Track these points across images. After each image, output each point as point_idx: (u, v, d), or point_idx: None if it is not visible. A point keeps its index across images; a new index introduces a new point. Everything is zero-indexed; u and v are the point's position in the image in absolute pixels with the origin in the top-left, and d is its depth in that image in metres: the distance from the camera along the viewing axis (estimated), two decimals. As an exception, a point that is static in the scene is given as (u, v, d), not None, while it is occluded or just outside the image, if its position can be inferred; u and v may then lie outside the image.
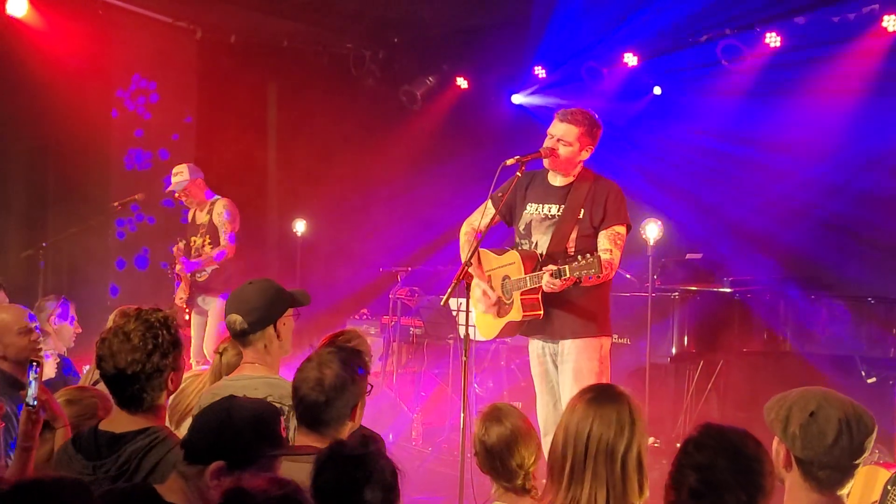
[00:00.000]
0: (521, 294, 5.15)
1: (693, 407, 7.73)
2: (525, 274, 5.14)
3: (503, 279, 5.34)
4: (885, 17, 7.82)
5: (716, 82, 8.98)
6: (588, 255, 4.79)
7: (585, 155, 5.26)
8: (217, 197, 8.31)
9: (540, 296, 5.14)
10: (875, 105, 8.17)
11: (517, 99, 10.60)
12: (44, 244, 9.15)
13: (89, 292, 9.79)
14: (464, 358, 4.94)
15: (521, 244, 5.38)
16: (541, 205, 5.33)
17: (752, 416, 6.06)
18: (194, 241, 8.22)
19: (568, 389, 5.16)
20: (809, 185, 8.60)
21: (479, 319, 5.59)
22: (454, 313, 7.81)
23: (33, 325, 4.76)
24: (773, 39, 8.43)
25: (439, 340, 8.77)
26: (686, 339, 7.58)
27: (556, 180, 5.34)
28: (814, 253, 8.58)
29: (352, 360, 3.42)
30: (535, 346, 5.41)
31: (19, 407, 4.11)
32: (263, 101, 11.57)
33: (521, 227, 5.39)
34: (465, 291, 5.05)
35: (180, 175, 8.21)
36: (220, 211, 8.18)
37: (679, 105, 9.46)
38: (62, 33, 9.32)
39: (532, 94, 10.46)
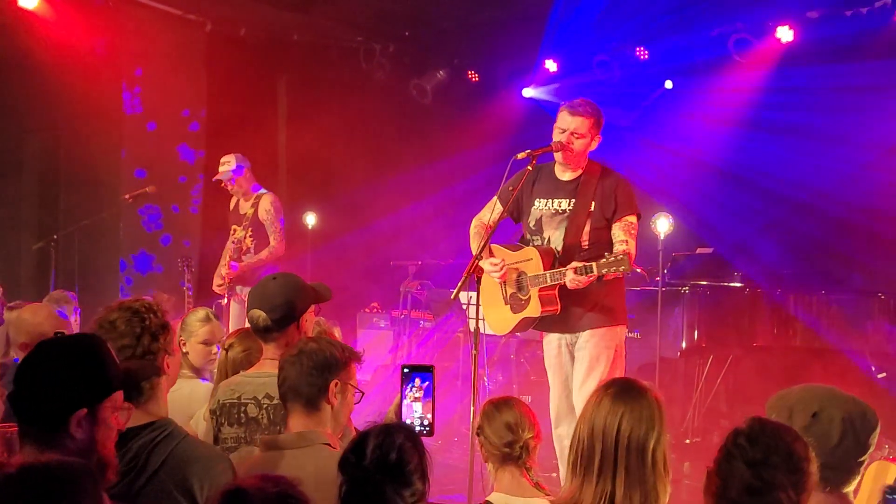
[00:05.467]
0: (539, 290, 5.16)
1: (702, 401, 7.73)
2: (544, 270, 5.16)
3: (518, 275, 5.35)
4: (898, 12, 7.81)
5: (727, 76, 8.96)
6: (616, 253, 4.86)
7: (594, 145, 5.30)
8: (263, 190, 8.27)
9: (557, 291, 5.16)
10: (888, 97, 8.14)
11: (528, 93, 10.59)
12: (55, 236, 9.17)
13: (100, 284, 9.82)
14: (473, 351, 4.94)
15: (533, 240, 5.38)
16: (550, 200, 5.34)
17: (761, 412, 6.05)
18: (235, 230, 8.15)
19: (581, 377, 5.19)
20: (821, 179, 8.57)
21: (490, 315, 5.59)
22: (464, 307, 7.81)
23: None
24: (785, 34, 8.41)
25: (449, 334, 8.79)
26: (696, 333, 7.57)
27: (564, 175, 5.36)
28: (825, 247, 8.57)
29: (340, 344, 3.44)
30: (552, 337, 5.41)
31: None
32: (273, 94, 11.56)
33: (532, 224, 5.39)
34: (476, 285, 5.05)
35: (227, 165, 8.19)
36: (267, 208, 8.12)
37: (690, 99, 9.44)
38: (73, 25, 9.33)
39: (543, 87, 10.45)
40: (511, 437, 3.55)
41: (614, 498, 2.87)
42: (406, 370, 3.38)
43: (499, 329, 5.62)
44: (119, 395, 2.70)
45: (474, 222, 5.58)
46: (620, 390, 2.99)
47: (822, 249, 8.61)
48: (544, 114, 10.42)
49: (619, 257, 4.83)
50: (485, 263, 5.34)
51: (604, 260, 4.86)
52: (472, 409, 4.79)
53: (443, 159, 10.82)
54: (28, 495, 2.10)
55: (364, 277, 10.42)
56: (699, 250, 8.61)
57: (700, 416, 7.65)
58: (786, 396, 2.85)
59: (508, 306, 5.43)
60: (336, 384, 3.29)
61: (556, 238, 5.30)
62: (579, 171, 5.32)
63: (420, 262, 9.24)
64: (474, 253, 5.36)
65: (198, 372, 4.78)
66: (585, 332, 5.25)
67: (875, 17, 8.00)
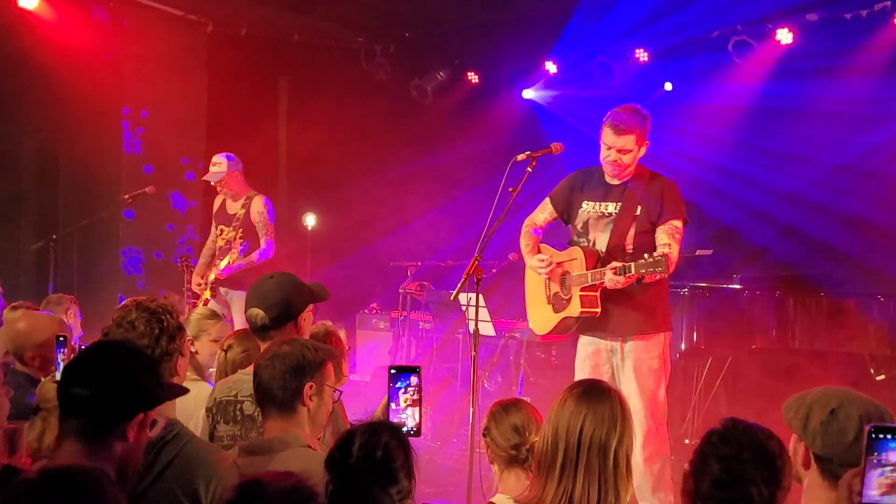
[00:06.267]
0: (581, 290, 5.22)
1: (702, 403, 7.73)
2: (587, 270, 5.21)
3: (563, 275, 5.42)
4: (898, 15, 7.82)
5: (727, 79, 8.96)
6: (655, 254, 4.89)
7: (643, 152, 5.35)
8: (254, 192, 8.06)
9: (599, 293, 5.22)
10: (890, 99, 8.14)
11: (528, 94, 10.60)
12: (54, 236, 9.16)
13: (99, 284, 9.82)
14: (473, 353, 4.94)
15: (579, 242, 5.45)
16: (597, 203, 5.40)
17: (760, 413, 6.05)
18: (222, 231, 8.01)
19: (630, 387, 5.21)
20: (821, 182, 8.57)
21: (532, 314, 5.68)
22: (464, 308, 7.81)
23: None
24: (784, 36, 8.42)
25: (448, 335, 8.79)
26: (695, 335, 7.58)
27: (613, 179, 5.40)
28: (824, 250, 8.56)
29: (315, 344, 3.40)
30: (587, 341, 5.45)
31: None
32: (274, 94, 11.57)
33: (579, 226, 5.45)
34: (475, 286, 5.06)
35: (219, 166, 7.98)
36: (259, 209, 7.91)
37: (690, 101, 9.44)
38: (73, 26, 9.33)
39: (543, 89, 10.46)
40: (518, 440, 3.53)
41: (573, 496, 2.91)
42: (393, 371, 3.38)
43: (539, 328, 5.67)
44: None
45: (525, 224, 5.66)
46: (584, 392, 3.04)
47: (822, 251, 8.61)
48: (545, 115, 10.45)
49: (657, 258, 4.85)
50: (532, 260, 5.48)
51: (642, 260, 4.89)
52: (471, 410, 4.79)
53: (443, 160, 10.82)
54: (51, 501, 2.10)
55: (363, 278, 10.43)
56: (698, 252, 8.60)
57: (699, 418, 7.65)
58: (805, 395, 2.86)
59: (551, 305, 5.50)
60: (311, 386, 3.26)
61: (601, 240, 5.36)
62: (627, 176, 5.38)
63: (419, 264, 9.23)
64: (523, 251, 5.51)
65: (201, 374, 4.74)
66: (628, 344, 5.29)
67: (875, 19, 8.01)
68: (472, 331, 5.09)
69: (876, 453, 2.36)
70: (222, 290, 7.94)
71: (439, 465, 7.17)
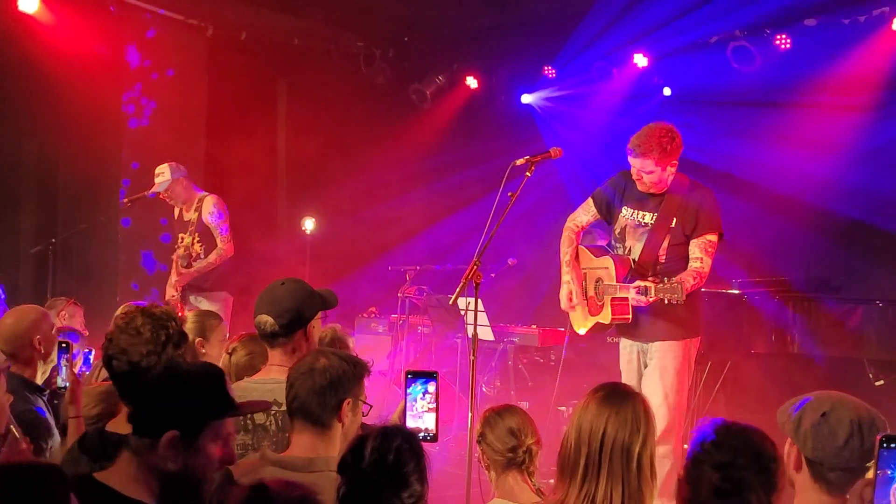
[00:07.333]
0: (612, 300, 5.34)
1: (701, 408, 7.72)
2: (616, 281, 5.35)
3: (597, 280, 5.55)
4: (896, 20, 7.83)
5: (725, 83, 8.96)
6: (674, 280, 4.96)
7: (672, 170, 5.39)
8: (204, 193, 8.01)
9: (630, 302, 5.31)
10: (886, 106, 8.15)
11: (527, 98, 10.60)
12: (53, 240, 9.14)
13: (98, 288, 9.80)
14: (472, 357, 4.94)
15: (616, 248, 5.56)
16: (636, 211, 5.48)
17: (759, 418, 6.04)
18: (182, 238, 7.94)
19: (651, 387, 5.31)
20: (819, 187, 8.58)
21: (573, 311, 5.77)
22: (462, 313, 7.81)
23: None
24: (783, 41, 8.43)
25: (447, 339, 8.78)
26: (694, 339, 7.56)
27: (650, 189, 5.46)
28: (823, 255, 8.57)
29: (351, 357, 3.33)
30: (626, 342, 5.60)
31: (37, 409, 4.12)
32: (273, 98, 11.56)
33: (617, 231, 5.57)
34: (475, 291, 5.07)
35: (162, 176, 7.90)
36: (210, 210, 7.86)
37: (688, 106, 9.45)
38: (73, 29, 9.31)
39: (542, 93, 10.46)
40: (514, 442, 3.56)
41: (595, 499, 2.91)
42: (410, 376, 3.35)
43: (578, 326, 5.79)
44: (222, 425, 2.65)
45: (567, 224, 5.75)
46: (607, 395, 3.04)
47: (821, 256, 8.61)
48: (543, 119, 10.45)
49: (674, 285, 4.95)
50: (564, 287, 5.58)
51: (661, 285, 5.00)
52: (469, 415, 4.79)
53: (442, 164, 10.83)
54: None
55: (362, 282, 10.41)
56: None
57: (699, 423, 7.65)
58: (800, 399, 2.88)
59: (588, 307, 5.62)
60: (349, 402, 3.20)
61: (635, 249, 5.46)
62: (665, 187, 5.44)
63: (418, 268, 9.23)
64: (561, 257, 5.61)
65: None
66: (656, 344, 5.41)
67: (873, 24, 8.02)
68: (470, 335, 5.10)
69: (887, 463, 2.35)
70: (192, 298, 7.90)
71: (437, 470, 7.15)
